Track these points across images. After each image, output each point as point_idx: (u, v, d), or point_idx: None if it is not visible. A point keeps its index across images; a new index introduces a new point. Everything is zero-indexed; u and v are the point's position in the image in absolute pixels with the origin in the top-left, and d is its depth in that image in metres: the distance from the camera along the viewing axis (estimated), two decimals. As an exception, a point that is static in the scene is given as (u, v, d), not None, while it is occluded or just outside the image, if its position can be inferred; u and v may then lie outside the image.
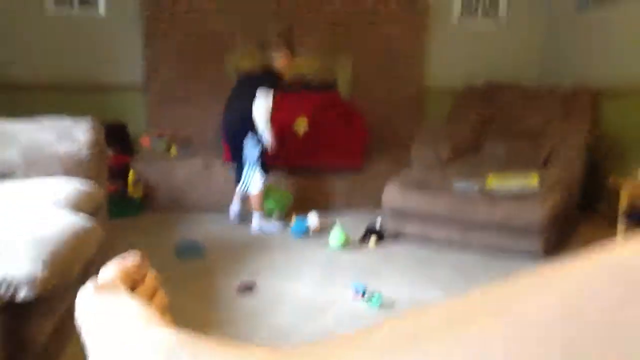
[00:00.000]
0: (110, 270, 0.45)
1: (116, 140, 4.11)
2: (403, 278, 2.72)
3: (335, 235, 3.17)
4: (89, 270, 1.92)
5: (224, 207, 3.65)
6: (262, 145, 3.47)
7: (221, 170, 3.88)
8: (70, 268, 1.67)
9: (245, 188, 3.55)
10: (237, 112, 3.52)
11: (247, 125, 3.43)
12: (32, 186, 2.19)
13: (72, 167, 2.50)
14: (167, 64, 4.52)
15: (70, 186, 2.24)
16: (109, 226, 2.61)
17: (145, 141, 4.30)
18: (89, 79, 4.58)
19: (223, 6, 4.49)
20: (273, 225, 3.54)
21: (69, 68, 4.55)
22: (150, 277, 0.48)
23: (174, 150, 4.22)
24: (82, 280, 1.83)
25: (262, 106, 3.39)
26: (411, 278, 2.73)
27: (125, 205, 3.73)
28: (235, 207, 3.69)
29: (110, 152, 3.83)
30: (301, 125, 3.95)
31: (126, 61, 4.60)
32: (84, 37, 4.55)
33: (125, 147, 4.29)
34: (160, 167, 3.94)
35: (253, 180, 3.51)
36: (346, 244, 3.18)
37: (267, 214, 3.64)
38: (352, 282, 2.57)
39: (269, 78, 3.48)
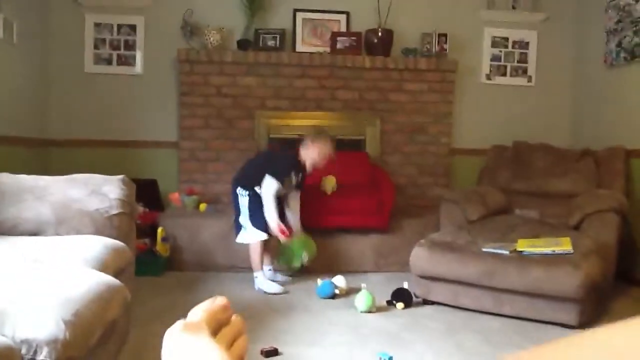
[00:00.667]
0: (198, 312, 0.49)
1: (146, 196, 4.16)
2: (430, 346, 2.63)
3: (362, 299, 3.11)
4: (113, 329, 1.91)
5: (249, 268, 3.62)
6: (255, 197, 3.48)
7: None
8: (93, 329, 1.66)
9: (237, 237, 3.56)
10: (241, 170, 3.68)
11: (238, 179, 3.58)
12: (61, 244, 2.21)
13: (102, 225, 2.52)
14: (200, 122, 4.61)
15: (99, 244, 2.25)
16: (134, 284, 2.61)
17: (174, 198, 4.34)
18: (123, 135, 4.70)
19: (253, 69, 4.60)
20: (275, 286, 3.45)
21: (104, 124, 4.69)
22: (236, 321, 0.51)
23: (203, 207, 4.26)
24: (104, 340, 1.81)
25: (266, 190, 3.44)
26: (438, 346, 2.64)
27: (151, 264, 3.73)
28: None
29: (139, 209, 3.88)
30: (329, 184, 3.95)
31: (160, 118, 4.73)
32: (120, 94, 4.72)
33: (154, 204, 4.34)
34: (187, 225, 3.96)
35: (247, 230, 3.51)
36: (373, 308, 3.11)
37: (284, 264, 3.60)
38: (377, 349, 2.49)
39: (285, 162, 3.57)
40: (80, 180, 2.66)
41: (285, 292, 3.44)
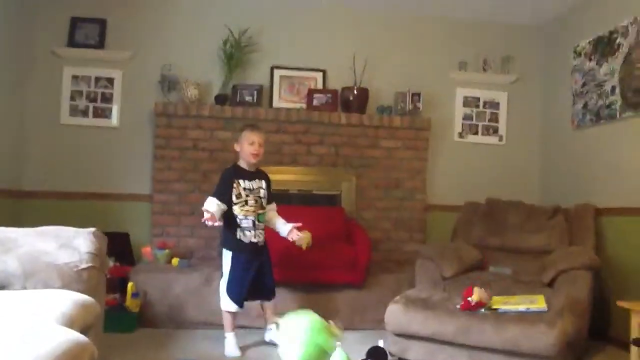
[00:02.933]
0: None
1: (117, 249, 4.09)
2: (407, 406, 2.57)
3: (337, 357, 3.03)
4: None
5: (222, 324, 3.52)
6: (236, 260, 3.35)
7: (221, 284, 3.81)
8: (58, 389, 1.59)
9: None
10: None
11: (220, 241, 3.46)
12: (27, 299, 2.13)
13: (71, 279, 2.45)
14: (175, 175, 4.59)
15: (67, 299, 2.18)
16: (103, 341, 2.52)
17: (146, 252, 4.27)
18: (97, 187, 4.65)
19: (230, 124, 4.63)
20: (234, 352, 3.32)
21: (78, 176, 4.65)
22: None
23: (175, 262, 4.18)
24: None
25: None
26: (415, 406, 2.58)
27: (121, 319, 3.61)
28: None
29: (110, 263, 3.80)
30: (304, 239, 3.91)
31: (135, 171, 4.70)
32: (95, 146, 4.69)
33: (125, 257, 4.25)
34: (159, 280, 3.88)
35: (221, 296, 3.40)
36: (347, 366, 3.04)
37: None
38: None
39: (221, 177, 3.44)
40: (50, 232, 2.60)
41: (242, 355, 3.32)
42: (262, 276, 3.45)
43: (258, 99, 4.76)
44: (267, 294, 3.51)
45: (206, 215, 3.18)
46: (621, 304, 3.03)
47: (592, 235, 3.95)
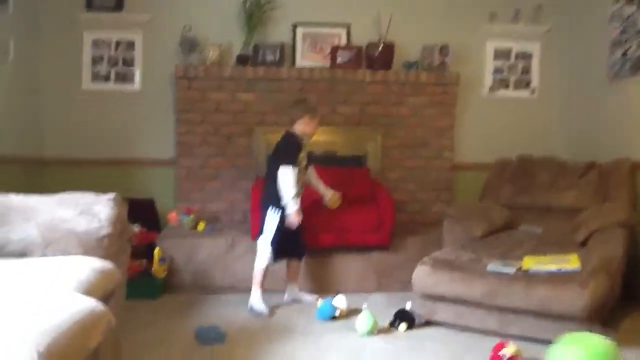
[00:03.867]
0: None
1: (143, 216, 4.08)
2: (434, 369, 2.53)
3: (363, 320, 3.01)
4: (97, 357, 1.82)
5: (249, 289, 3.50)
6: (281, 225, 3.41)
7: (248, 248, 3.78)
8: (72, 358, 1.57)
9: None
10: (264, 186, 3.60)
11: (268, 199, 3.47)
12: (46, 266, 2.13)
13: (91, 246, 2.44)
14: (198, 139, 4.54)
15: (86, 267, 2.17)
16: (126, 308, 2.52)
17: (172, 217, 4.26)
18: (120, 153, 4.64)
19: (252, 85, 4.54)
20: (263, 307, 3.35)
21: (101, 142, 4.63)
22: None
23: (201, 226, 4.17)
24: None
25: (283, 181, 3.38)
26: (443, 369, 2.53)
27: (147, 286, 3.61)
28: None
29: (136, 229, 3.79)
30: (334, 199, 3.84)
31: (158, 136, 4.66)
32: (117, 111, 4.65)
33: (151, 224, 4.25)
34: (185, 245, 3.87)
35: (260, 252, 3.44)
36: (374, 329, 3.00)
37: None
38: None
39: (285, 145, 3.51)
40: (69, 199, 2.58)
41: (270, 316, 3.33)
42: (299, 235, 3.56)
43: (280, 58, 4.63)
44: (300, 253, 3.63)
45: (294, 220, 3.39)
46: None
47: (628, 190, 3.77)
